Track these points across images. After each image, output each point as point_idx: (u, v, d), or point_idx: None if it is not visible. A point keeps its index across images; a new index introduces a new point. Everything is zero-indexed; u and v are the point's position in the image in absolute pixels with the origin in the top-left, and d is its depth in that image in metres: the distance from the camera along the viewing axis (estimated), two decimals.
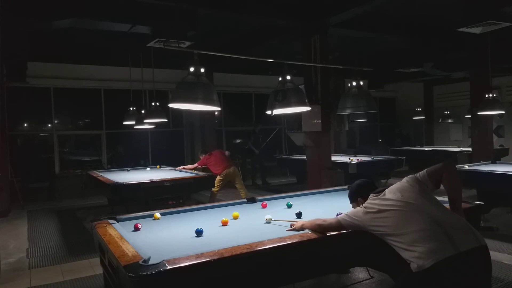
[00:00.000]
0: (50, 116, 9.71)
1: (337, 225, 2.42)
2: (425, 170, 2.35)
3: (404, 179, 2.38)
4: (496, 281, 3.66)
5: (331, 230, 2.45)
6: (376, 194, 2.39)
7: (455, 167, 2.43)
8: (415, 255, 1.97)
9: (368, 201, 2.38)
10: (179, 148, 11.37)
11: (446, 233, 1.97)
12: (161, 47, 6.25)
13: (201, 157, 7.41)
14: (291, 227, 2.66)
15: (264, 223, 2.93)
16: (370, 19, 6.66)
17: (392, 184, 2.42)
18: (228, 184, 7.97)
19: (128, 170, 7.54)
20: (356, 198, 2.59)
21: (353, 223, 2.34)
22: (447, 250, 1.92)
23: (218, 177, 7.05)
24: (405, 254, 2.05)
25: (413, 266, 1.98)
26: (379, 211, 2.23)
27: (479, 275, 2.00)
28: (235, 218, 3.15)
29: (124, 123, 8.14)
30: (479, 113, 6.92)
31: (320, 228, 2.47)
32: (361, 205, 2.40)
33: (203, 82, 3.05)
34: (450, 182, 2.30)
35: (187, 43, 6.37)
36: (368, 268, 3.63)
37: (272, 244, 2.29)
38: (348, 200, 2.72)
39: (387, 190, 2.36)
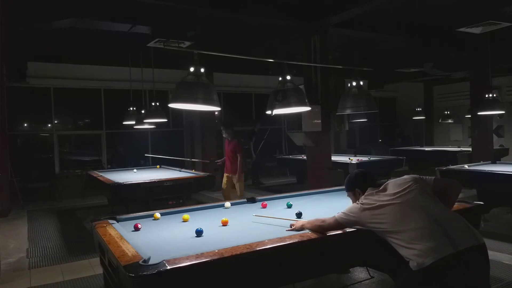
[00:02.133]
0: (50, 116, 9.71)
1: (336, 224, 2.42)
2: (433, 177, 2.37)
3: (408, 176, 2.37)
4: (496, 281, 3.66)
5: (330, 230, 2.45)
6: (374, 189, 2.38)
7: (461, 188, 2.45)
8: (414, 252, 1.98)
9: (365, 196, 2.37)
10: (179, 148, 11.37)
11: (445, 232, 1.97)
12: (161, 47, 6.25)
13: (228, 134, 6.48)
14: (291, 227, 2.66)
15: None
16: (370, 19, 6.66)
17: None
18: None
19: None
20: (354, 188, 2.56)
21: (350, 220, 2.35)
22: (446, 248, 1.92)
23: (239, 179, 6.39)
24: (404, 252, 2.05)
25: (413, 264, 1.98)
26: (377, 207, 2.23)
27: (477, 274, 2.00)
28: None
29: (124, 123, 8.14)
30: (479, 113, 6.92)
31: (320, 229, 2.47)
32: (357, 201, 2.39)
33: (203, 82, 3.05)
34: (451, 194, 2.34)
35: (187, 43, 6.37)
36: (368, 268, 3.63)
37: (272, 244, 2.29)
38: (347, 201, 2.71)
39: (385, 186, 2.35)
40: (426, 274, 1.93)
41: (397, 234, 2.09)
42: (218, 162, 7.04)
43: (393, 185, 2.32)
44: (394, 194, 2.24)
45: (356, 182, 2.57)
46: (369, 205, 2.27)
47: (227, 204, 3.61)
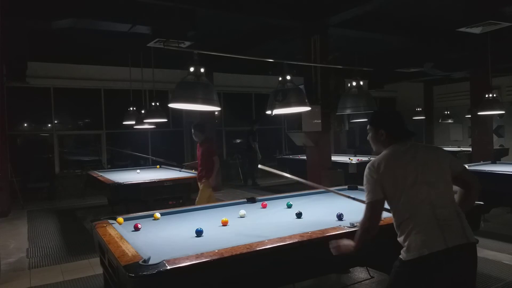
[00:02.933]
0: (50, 116, 9.70)
1: (371, 208, 2.06)
2: (463, 166, 2.16)
3: (441, 151, 2.15)
4: (496, 281, 3.66)
5: (375, 218, 2.07)
6: (401, 145, 2.08)
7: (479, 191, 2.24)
8: (411, 239, 1.96)
9: (384, 155, 2.09)
10: (179, 148, 11.37)
11: (441, 227, 1.97)
12: (161, 47, 6.25)
13: (197, 136, 5.60)
14: (336, 248, 2.22)
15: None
16: (370, 19, 6.66)
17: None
18: (228, 184, 7.75)
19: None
20: (379, 127, 2.14)
21: (374, 193, 2.03)
22: (439, 244, 1.93)
23: (209, 189, 5.41)
24: (400, 234, 2.03)
25: (405, 253, 1.98)
26: (391, 173, 2.01)
27: (464, 271, 2.01)
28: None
29: (124, 123, 8.14)
30: (479, 113, 6.92)
31: (366, 231, 2.09)
32: (368, 165, 2.09)
33: (203, 82, 3.04)
34: (471, 197, 2.18)
35: (187, 43, 6.37)
36: (368, 268, 3.63)
37: (272, 244, 2.29)
38: (347, 201, 2.69)
39: (411, 150, 2.07)
40: (415, 266, 1.93)
41: (400, 214, 2.02)
42: (185, 165, 6.47)
43: (423, 153, 2.05)
44: (416, 167, 2.00)
45: (387, 122, 2.15)
46: (380, 166, 2.00)
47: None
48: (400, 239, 2.04)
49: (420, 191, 2.00)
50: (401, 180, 2.01)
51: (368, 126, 2.23)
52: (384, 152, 2.11)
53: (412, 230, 1.98)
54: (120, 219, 3.11)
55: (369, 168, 2.07)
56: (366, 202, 2.08)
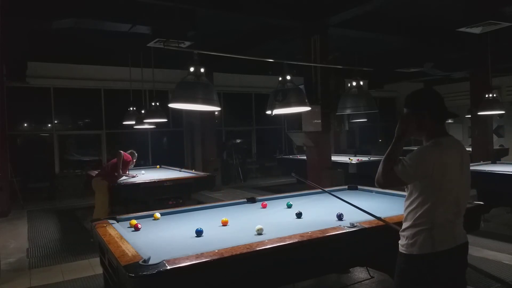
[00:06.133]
0: (50, 116, 9.71)
1: (393, 179, 1.91)
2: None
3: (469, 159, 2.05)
4: (496, 281, 3.66)
5: (387, 183, 1.93)
6: (446, 138, 1.98)
7: None
8: (426, 235, 1.92)
9: (438, 147, 1.94)
10: (179, 148, 11.37)
11: (453, 227, 1.98)
12: (161, 47, 6.25)
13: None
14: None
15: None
16: (370, 19, 6.65)
17: None
18: (228, 184, 7.70)
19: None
20: (423, 108, 1.93)
21: (415, 174, 1.89)
22: (450, 242, 1.93)
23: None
24: (412, 227, 1.95)
25: (412, 247, 1.95)
26: (443, 163, 1.88)
27: (462, 267, 2.03)
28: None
29: (124, 123, 8.14)
30: (479, 113, 6.91)
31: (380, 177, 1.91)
32: (422, 150, 1.94)
33: (203, 82, 3.04)
34: None
35: (187, 43, 6.37)
36: (368, 268, 3.63)
37: (272, 244, 2.29)
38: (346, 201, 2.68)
39: (456, 150, 1.97)
40: (424, 261, 1.93)
41: (428, 208, 1.91)
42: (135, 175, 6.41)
43: (466, 154, 1.98)
44: (462, 168, 1.94)
45: (433, 103, 1.95)
46: (435, 161, 1.83)
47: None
48: (409, 232, 1.96)
49: (456, 192, 1.96)
50: (447, 178, 1.91)
51: (404, 109, 1.99)
52: (436, 142, 1.96)
53: (432, 226, 1.92)
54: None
55: (422, 153, 1.91)
56: (396, 171, 1.89)
